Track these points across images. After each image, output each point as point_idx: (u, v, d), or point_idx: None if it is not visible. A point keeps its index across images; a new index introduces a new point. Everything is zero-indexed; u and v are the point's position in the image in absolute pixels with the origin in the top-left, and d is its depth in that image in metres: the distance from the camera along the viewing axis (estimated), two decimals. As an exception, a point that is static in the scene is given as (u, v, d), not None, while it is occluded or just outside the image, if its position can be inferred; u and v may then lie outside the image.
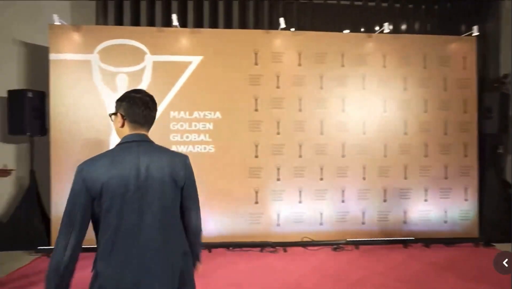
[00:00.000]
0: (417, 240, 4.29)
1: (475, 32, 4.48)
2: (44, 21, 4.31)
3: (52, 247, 3.20)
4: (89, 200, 1.33)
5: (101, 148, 4.03)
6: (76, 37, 4.09)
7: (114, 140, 4.10)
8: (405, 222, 4.42)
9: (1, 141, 4.63)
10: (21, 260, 3.72)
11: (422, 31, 5.66)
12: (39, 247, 3.93)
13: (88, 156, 3.11)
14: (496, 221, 4.51)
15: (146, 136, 1.50)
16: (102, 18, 5.30)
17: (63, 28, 4.08)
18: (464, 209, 4.48)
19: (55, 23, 4.01)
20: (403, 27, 5.79)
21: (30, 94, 4.16)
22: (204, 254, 3.93)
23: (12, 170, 2.52)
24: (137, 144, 1.43)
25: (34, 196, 4.29)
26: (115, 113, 1.49)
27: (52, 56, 4.04)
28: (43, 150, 4.37)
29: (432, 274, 3.39)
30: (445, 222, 4.46)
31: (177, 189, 1.49)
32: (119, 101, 1.50)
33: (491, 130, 4.66)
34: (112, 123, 1.55)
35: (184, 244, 1.48)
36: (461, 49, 4.54)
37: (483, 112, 4.67)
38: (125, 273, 1.32)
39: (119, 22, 5.26)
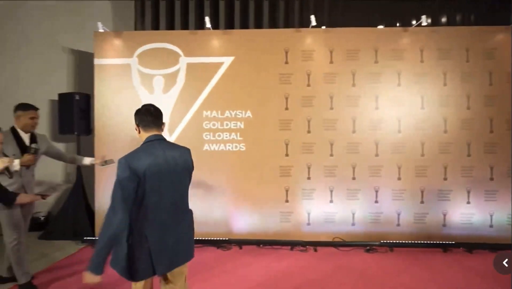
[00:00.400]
0: (458, 244, 4.04)
1: (524, 21, 4.12)
2: (88, 30, 4.67)
3: (96, 238, 3.51)
4: (136, 183, 1.69)
5: (139, 145, 4.28)
6: (117, 42, 4.37)
7: (151, 139, 4.32)
8: (444, 225, 4.18)
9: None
10: (68, 249, 4.05)
11: (466, 22, 5.32)
12: (85, 238, 4.26)
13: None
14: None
15: (161, 135, 1.95)
16: (140, 23, 5.62)
17: (106, 35, 4.38)
18: (513, 213, 4.15)
19: (99, 31, 4.32)
20: (443, 19, 5.48)
21: (77, 97, 4.53)
22: (235, 250, 4.03)
23: (48, 195, 2.88)
24: (158, 141, 1.87)
25: (80, 190, 4.66)
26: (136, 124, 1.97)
27: (97, 61, 4.36)
28: (88, 148, 4.72)
29: (475, 281, 3.18)
30: (491, 226, 4.15)
31: (189, 173, 1.98)
32: (135, 115, 1.97)
33: (543, 127, 4.25)
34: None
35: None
36: (509, 40, 4.20)
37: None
38: (166, 237, 1.79)
39: (155, 25, 5.54)
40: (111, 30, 4.50)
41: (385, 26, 4.46)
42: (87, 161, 3.36)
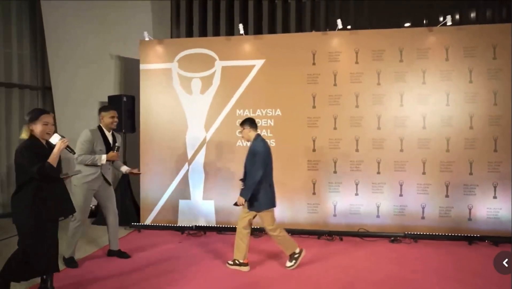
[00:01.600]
0: (484, 238, 4.13)
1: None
2: (132, 39, 5.21)
3: (142, 224, 4.08)
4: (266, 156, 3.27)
5: (178, 142, 4.77)
6: (159, 49, 4.87)
7: (189, 137, 4.78)
8: (470, 219, 4.29)
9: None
10: (120, 233, 4.58)
11: (496, 20, 5.32)
12: (132, 223, 4.79)
13: (168, 149, 4.19)
14: None
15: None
16: (175, 31, 6.13)
17: (150, 43, 4.90)
18: (541, 208, 4.17)
19: (145, 39, 4.84)
20: (472, 15, 5.51)
21: (124, 99, 5.07)
22: (266, 239, 4.38)
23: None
24: (261, 136, 3.39)
25: (126, 182, 5.21)
26: (244, 126, 3.37)
27: (142, 66, 4.88)
28: (133, 145, 5.27)
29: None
30: (518, 221, 4.20)
31: None
32: (247, 121, 3.38)
33: None
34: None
35: None
36: (537, 37, 4.22)
37: None
38: (272, 193, 3.35)
39: (189, 32, 6.03)
40: (152, 38, 5.00)
41: (411, 25, 4.61)
42: (123, 168, 3.68)
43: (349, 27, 4.68)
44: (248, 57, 4.71)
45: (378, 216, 4.45)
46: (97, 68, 5.63)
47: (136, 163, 4.97)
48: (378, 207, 4.45)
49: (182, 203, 4.79)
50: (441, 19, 4.59)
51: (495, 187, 4.25)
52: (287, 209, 4.58)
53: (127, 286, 2.94)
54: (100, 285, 2.96)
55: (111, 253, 3.66)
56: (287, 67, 4.61)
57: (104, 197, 3.52)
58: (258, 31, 5.73)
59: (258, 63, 4.68)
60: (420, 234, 4.25)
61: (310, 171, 4.56)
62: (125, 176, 5.19)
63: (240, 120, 4.64)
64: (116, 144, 3.47)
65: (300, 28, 5.69)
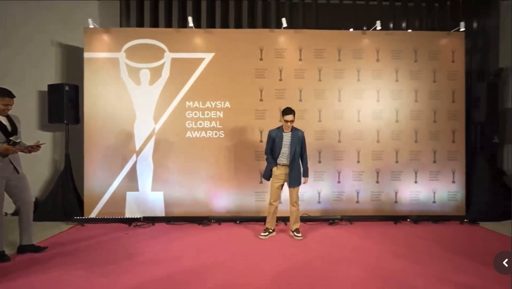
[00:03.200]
0: (406, 217, 4.72)
1: (462, 27, 4.87)
2: (75, 24, 5.00)
3: (85, 217, 3.95)
4: (272, 141, 3.94)
5: (125, 133, 4.69)
6: (106, 38, 4.75)
7: (137, 128, 4.73)
8: (396, 202, 4.86)
9: (40, 130, 5.36)
10: (60, 228, 4.38)
11: (423, 27, 6.06)
12: (75, 217, 4.60)
13: (115, 141, 4.12)
14: (483, 203, 4.87)
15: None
16: (125, 20, 5.97)
17: (95, 30, 4.75)
18: (452, 191, 4.88)
19: (89, 27, 4.68)
20: (403, 24, 6.20)
21: (67, 88, 4.85)
22: (214, 226, 4.46)
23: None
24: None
25: (68, 175, 4.98)
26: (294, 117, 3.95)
27: (86, 54, 4.71)
28: (75, 137, 5.05)
29: (415, 241, 3.83)
30: (434, 202, 4.87)
31: None
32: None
33: (479, 119, 5.03)
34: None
35: None
36: (449, 44, 4.94)
37: (472, 102, 5.05)
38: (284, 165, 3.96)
39: (140, 23, 5.92)
40: (97, 26, 4.85)
41: (354, 29, 5.07)
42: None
43: (298, 29, 4.99)
44: (198, 50, 4.80)
45: (319, 202, 4.84)
46: (36, 55, 5.29)
47: (80, 155, 4.79)
48: (319, 193, 4.84)
49: (129, 195, 4.72)
50: (379, 24, 5.11)
51: (416, 173, 4.88)
52: (236, 197, 4.77)
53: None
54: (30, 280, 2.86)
55: (22, 250, 3.33)
56: (236, 61, 4.80)
57: (17, 187, 3.24)
58: (211, 25, 5.83)
59: (208, 56, 4.80)
60: (354, 216, 4.72)
61: (258, 161, 4.79)
62: (67, 167, 4.97)
63: (190, 112, 4.83)
64: (17, 139, 3.15)
65: (252, 25, 5.91)
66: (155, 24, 5.93)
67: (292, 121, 3.86)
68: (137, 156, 4.74)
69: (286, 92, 4.84)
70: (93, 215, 4.68)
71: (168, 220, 4.64)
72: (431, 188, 4.87)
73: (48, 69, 5.36)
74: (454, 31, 4.98)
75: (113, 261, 3.18)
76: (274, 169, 3.95)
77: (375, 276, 2.85)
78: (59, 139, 5.46)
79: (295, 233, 3.97)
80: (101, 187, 4.71)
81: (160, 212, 4.72)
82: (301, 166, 3.96)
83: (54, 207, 4.83)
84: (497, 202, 4.92)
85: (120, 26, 5.86)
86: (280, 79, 4.84)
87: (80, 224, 4.55)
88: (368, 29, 5.10)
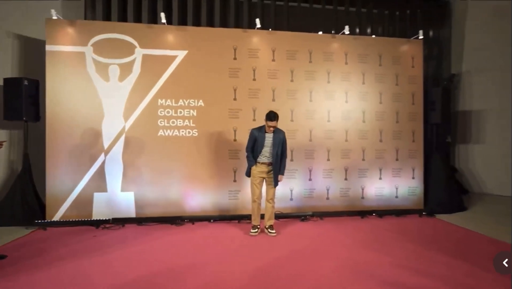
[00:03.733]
0: (372, 212, 5.02)
1: (421, 35, 5.28)
2: (37, 15, 4.68)
3: (48, 220, 3.72)
4: (254, 140, 3.99)
5: (93, 131, 4.48)
6: (71, 30, 4.49)
7: (105, 126, 4.53)
8: (362, 198, 5.15)
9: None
10: (19, 233, 4.08)
11: (385, 33, 6.46)
12: (36, 221, 4.30)
13: (81, 139, 3.93)
14: (439, 197, 5.32)
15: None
16: (90, 13, 5.69)
17: (59, 22, 4.47)
18: (412, 186, 5.27)
19: (52, 18, 4.40)
20: (369, 30, 6.56)
21: (26, 82, 4.51)
22: (187, 226, 4.41)
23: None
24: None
25: (27, 176, 4.63)
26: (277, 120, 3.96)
27: (48, 47, 4.42)
28: (36, 135, 4.72)
29: (382, 233, 4.09)
30: (396, 197, 5.22)
31: None
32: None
33: (435, 120, 5.48)
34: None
35: None
36: (410, 50, 5.32)
37: (429, 104, 5.49)
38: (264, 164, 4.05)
39: (106, 17, 5.68)
40: (61, 18, 4.57)
41: (323, 32, 5.27)
42: None
43: (270, 29, 5.08)
44: (171, 47, 4.71)
45: (291, 199, 4.98)
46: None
47: (40, 154, 4.49)
48: (291, 191, 4.98)
49: (97, 195, 4.51)
50: (346, 31, 5.37)
51: (380, 170, 5.20)
52: (210, 196, 4.75)
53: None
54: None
55: None
56: (210, 59, 4.78)
57: None
58: (182, 22, 5.74)
59: (181, 53, 4.73)
60: (324, 212, 4.92)
61: (232, 159, 4.82)
62: (25, 169, 4.63)
63: (163, 110, 4.71)
64: None
65: (224, 24, 5.91)
66: (123, 18, 5.73)
67: (274, 126, 3.93)
68: (105, 155, 4.54)
69: (259, 92, 4.91)
70: (56, 218, 4.41)
71: (140, 221, 4.51)
72: (394, 184, 5.22)
73: (4, 63, 4.95)
74: (414, 38, 5.37)
75: (81, 266, 3.04)
76: (254, 167, 4.01)
77: (347, 266, 3.02)
78: (15, 138, 5.07)
79: (269, 229, 4.05)
80: (65, 188, 4.45)
81: (131, 213, 4.57)
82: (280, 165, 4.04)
83: (12, 211, 4.46)
84: (451, 196, 5.39)
85: (85, 19, 5.58)
86: (254, 79, 4.90)
87: (42, 228, 4.26)
88: (336, 33, 5.34)
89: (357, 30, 6.52)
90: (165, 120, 4.68)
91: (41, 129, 4.53)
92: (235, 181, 4.82)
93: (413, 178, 5.27)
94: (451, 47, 7.14)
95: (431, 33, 6.93)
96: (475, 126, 6.91)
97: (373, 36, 5.64)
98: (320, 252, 3.43)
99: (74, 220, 4.40)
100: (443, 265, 3.07)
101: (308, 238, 3.93)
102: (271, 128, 3.92)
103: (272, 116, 3.87)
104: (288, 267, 3.03)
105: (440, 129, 6.06)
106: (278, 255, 3.34)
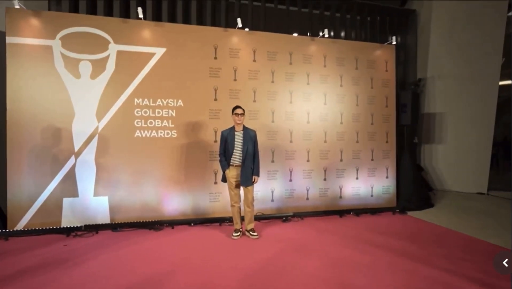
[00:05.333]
0: (349, 210, 5.18)
1: (394, 41, 5.54)
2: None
3: (10, 230, 3.44)
4: (224, 142, 3.92)
5: (61, 132, 4.16)
6: (36, 22, 4.12)
7: (76, 126, 4.22)
8: (340, 197, 5.29)
9: None
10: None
11: (358, 38, 6.70)
12: (-4, 231, 3.90)
13: (47, 141, 3.66)
14: (409, 195, 5.63)
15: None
16: (54, 3, 5.26)
17: (22, 13, 4.08)
18: (385, 185, 5.52)
19: (14, 7, 4.00)
20: (342, 34, 6.76)
21: (-18, 77, 4.07)
22: (166, 230, 4.24)
23: None
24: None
25: (-15, 182, 4.19)
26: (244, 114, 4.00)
27: (9, 39, 4.02)
28: (-5, 135, 4.27)
29: (361, 231, 4.23)
30: (371, 196, 5.44)
31: None
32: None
33: (406, 122, 5.78)
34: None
35: None
36: (383, 55, 5.56)
37: (400, 107, 5.78)
38: (237, 166, 3.95)
39: (74, 8, 5.28)
40: (23, 7, 4.18)
41: (299, 34, 5.33)
42: None
43: (247, 29, 5.04)
44: (149, 43, 4.50)
45: (272, 200, 4.98)
46: None
47: (2, 156, 4.07)
48: (272, 192, 4.98)
49: (67, 201, 4.19)
50: (321, 32, 5.50)
51: (357, 170, 5.38)
52: (190, 199, 4.61)
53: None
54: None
55: None
56: (190, 58, 4.64)
57: None
58: (157, 18, 5.51)
59: (159, 51, 4.53)
60: (304, 212, 4.98)
61: (212, 161, 4.71)
62: (-17, 174, 4.18)
63: (140, 110, 4.49)
64: None
65: (201, 22, 5.76)
66: (92, 11, 5.36)
67: (242, 114, 3.88)
68: (76, 158, 4.23)
69: (240, 93, 4.85)
70: (19, 227, 4.03)
71: (114, 226, 4.26)
72: (369, 183, 5.43)
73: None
74: (387, 44, 5.62)
75: (49, 279, 2.79)
76: (227, 171, 3.93)
77: (330, 263, 3.08)
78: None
79: (250, 232, 4.02)
80: (30, 193, 4.08)
81: (105, 219, 4.30)
82: (253, 165, 3.96)
83: (-35, 220, 4.01)
84: (419, 193, 5.73)
85: (49, 9, 5.15)
86: (235, 79, 4.84)
87: (3, 238, 3.87)
88: (312, 36, 5.43)
89: (332, 33, 6.70)
90: (142, 121, 4.47)
91: (3, 129, 4.10)
92: (215, 183, 4.72)
93: (386, 177, 5.52)
94: (416, 53, 7.58)
95: (399, 39, 7.30)
96: (438, 127, 7.40)
97: (347, 40, 5.81)
98: (302, 251, 3.47)
99: (40, 228, 4.05)
100: (416, 256, 3.24)
101: (290, 238, 3.96)
102: (239, 118, 3.86)
103: (236, 106, 3.93)
104: (274, 267, 3.02)
105: (409, 131, 6.41)
106: (262, 257, 3.32)
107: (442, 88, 7.29)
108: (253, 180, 3.93)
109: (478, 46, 6.63)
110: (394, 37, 5.55)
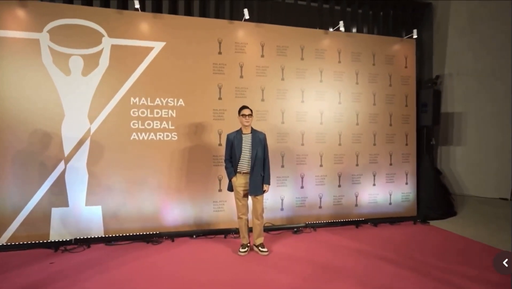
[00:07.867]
0: (366, 220, 4.73)
1: (415, 35, 5.06)
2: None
3: None
4: (230, 146, 3.49)
5: (49, 134, 3.74)
6: (21, 13, 3.71)
7: (65, 128, 3.81)
8: (356, 205, 4.84)
9: None
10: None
11: (370, 33, 6.23)
12: (-25, 246, 3.50)
13: (33, 144, 3.05)
14: (430, 202, 5.17)
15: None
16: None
17: (5, 3, 3.67)
18: (405, 192, 5.06)
19: (-4, -5, 3.60)
20: (354, 30, 6.30)
21: (-38, 74, 3.66)
22: (166, 243, 3.84)
23: None
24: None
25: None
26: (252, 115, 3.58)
27: (-9, 32, 3.61)
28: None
29: (378, 244, 3.79)
30: (390, 204, 4.98)
31: None
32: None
33: (426, 122, 5.32)
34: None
35: None
36: (403, 50, 5.10)
37: (420, 106, 5.31)
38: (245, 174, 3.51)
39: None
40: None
41: (307, 27, 4.88)
42: None
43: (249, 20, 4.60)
44: (146, 37, 4.08)
45: (282, 209, 4.54)
46: None
47: (-17, 162, 3.67)
48: (282, 200, 4.54)
49: (55, 211, 3.78)
50: (330, 28, 5.05)
51: (374, 176, 4.92)
52: (192, 208, 4.19)
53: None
54: None
55: None
56: (192, 53, 4.21)
57: None
58: (157, 10, 5.08)
59: (158, 45, 4.11)
60: (317, 222, 4.54)
61: (216, 166, 4.29)
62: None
63: (136, 110, 4.08)
64: None
65: (203, 14, 5.33)
66: (86, 1, 4.94)
67: (250, 115, 3.46)
68: (65, 163, 3.81)
69: (247, 91, 4.42)
70: (2, 240, 3.62)
71: (108, 240, 3.84)
72: (388, 190, 4.97)
73: None
74: (408, 37, 5.15)
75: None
76: (234, 179, 3.49)
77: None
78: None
79: (259, 248, 3.58)
80: (14, 204, 3.67)
81: (98, 230, 3.89)
82: (263, 172, 3.53)
83: None
84: (441, 200, 5.26)
85: None
86: (241, 76, 4.40)
87: (-16, 253, 3.47)
88: (321, 29, 4.98)
89: (342, 29, 6.25)
90: (139, 122, 4.04)
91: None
92: (220, 190, 4.29)
93: (406, 183, 5.06)
94: (433, 49, 7.09)
95: (419, 34, 6.82)
96: (456, 128, 6.92)
97: (363, 34, 5.35)
98: (322, 273, 3.03)
99: (26, 242, 3.64)
100: (443, 271, 2.79)
101: (304, 257, 3.50)
102: (247, 119, 3.43)
103: (243, 106, 3.53)
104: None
105: (429, 132, 5.94)
106: (272, 278, 2.88)
107: (461, 85, 6.80)
108: (263, 189, 3.49)
109: (501, 40, 6.14)
110: (415, 30, 5.07)
